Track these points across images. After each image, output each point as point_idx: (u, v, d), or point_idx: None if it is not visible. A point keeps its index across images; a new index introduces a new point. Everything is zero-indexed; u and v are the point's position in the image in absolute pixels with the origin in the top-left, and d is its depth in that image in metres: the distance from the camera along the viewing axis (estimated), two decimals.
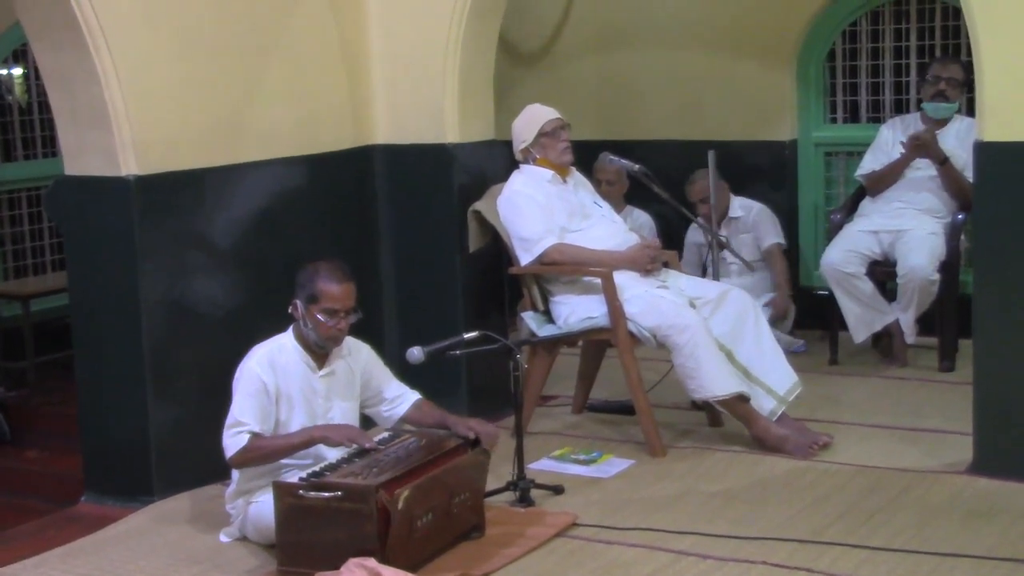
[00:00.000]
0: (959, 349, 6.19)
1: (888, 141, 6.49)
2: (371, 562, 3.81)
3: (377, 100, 5.84)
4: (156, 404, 4.87)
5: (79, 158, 4.89)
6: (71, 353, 5.10)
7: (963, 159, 6.07)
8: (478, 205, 5.67)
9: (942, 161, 6.21)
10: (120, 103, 4.73)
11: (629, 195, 6.94)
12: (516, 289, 5.81)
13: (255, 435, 4.24)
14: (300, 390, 4.37)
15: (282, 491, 4.03)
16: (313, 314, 4.31)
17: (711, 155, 5.91)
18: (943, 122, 6.38)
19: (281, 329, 4.44)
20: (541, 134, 5.48)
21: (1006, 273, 4.65)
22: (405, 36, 5.75)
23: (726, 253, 6.32)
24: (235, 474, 4.39)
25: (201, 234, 5.05)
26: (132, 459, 4.92)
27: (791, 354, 5.90)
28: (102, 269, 4.90)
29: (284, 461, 4.29)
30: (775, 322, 6.36)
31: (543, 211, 5.40)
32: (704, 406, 5.47)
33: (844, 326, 6.36)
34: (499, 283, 5.86)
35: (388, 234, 5.87)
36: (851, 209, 6.62)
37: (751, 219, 6.75)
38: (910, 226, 6.25)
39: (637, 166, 5.71)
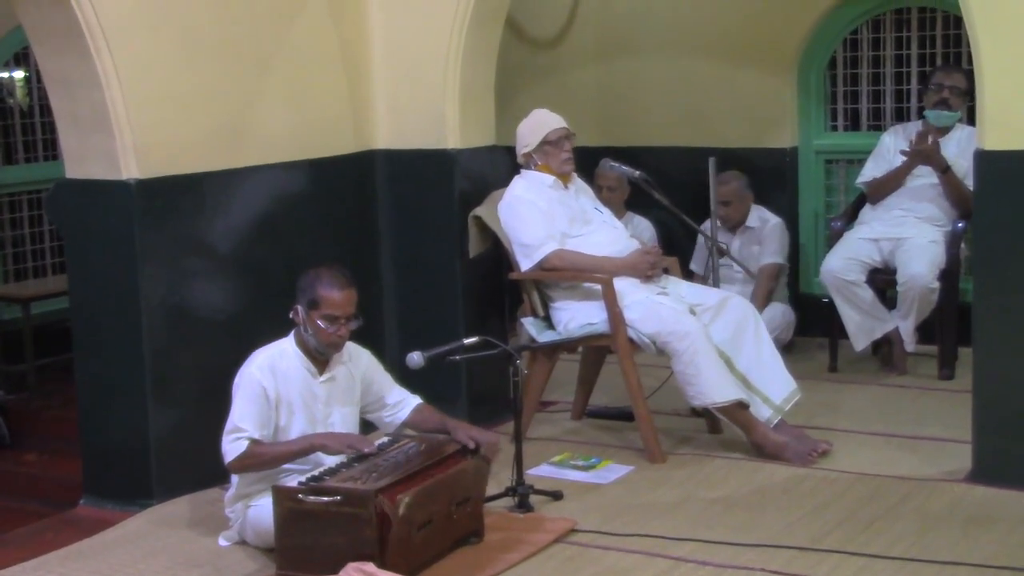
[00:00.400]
0: (959, 357, 6.19)
1: (889, 148, 6.49)
2: (370, 567, 3.81)
3: (378, 105, 5.85)
4: (156, 408, 4.87)
5: (80, 162, 4.89)
6: (71, 356, 5.09)
7: (964, 168, 6.07)
8: (479, 210, 5.67)
9: (944, 169, 6.22)
10: (121, 107, 4.73)
11: (630, 201, 6.94)
12: (516, 294, 5.81)
13: (254, 441, 4.24)
14: (300, 396, 4.37)
15: (281, 495, 4.03)
16: (314, 320, 4.31)
17: (712, 162, 5.92)
18: (945, 130, 6.38)
19: (281, 334, 4.45)
20: (545, 142, 5.48)
21: (1006, 281, 4.66)
22: (406, 41, 5.75)
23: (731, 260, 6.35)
24: (234, 478, 4.38)
25: (201, 238, 5.05)
26: (131, 462, 4.92)
27: None
28: (102, 272, 4.91)
29: (285, 466, 4.29)
30: None
31: (544, 217, 5.41)
32: (703, 413, 5.48)
33: (844, 334, 6.36)
34: (499, 288, 5.87)
35: (389, 239, 5.88)
36: (851, 217, 6.63)
37: (764, 232, 6.76)
38: (910, 234, 6.26)
39: (638, 172, 5.72)
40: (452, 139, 5.71)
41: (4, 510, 5.24)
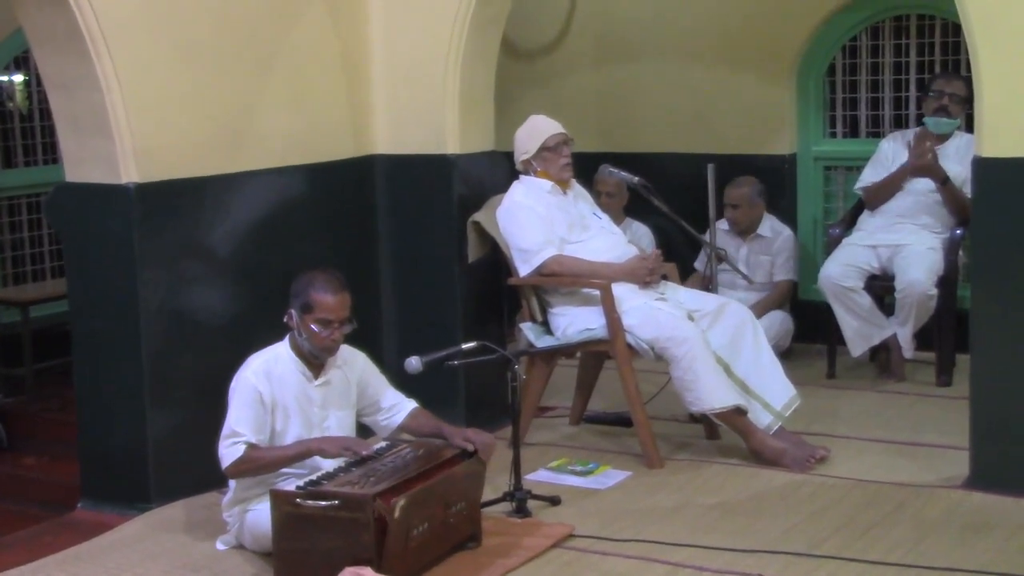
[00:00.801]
0: (956, 364, 6.19)
1: (888, 155, 6.50)
2: (367, 571, 3.79)
3: (377, 110, 5.85)
4: (154, 411, 4.88)
5: (80, 165, 4.90)
6: (70, 360, 5.10)
7: (962, 175, 6.07)
8: (477, 216, 5.68)
9: (943, 181, 6.22)
10: (121, 111, 4.74)
11: (629, 207, 6.95)
12: (515, 300, 5.81)
13: (251, 446, 4.24)
14: (296, 400, 4.37)
15: (279, 499, 4.03)
16: (307, 324, 4.31)
17: (710, 168, 5.92)
18: (943, 137, 6.39)
19: (280, 338, 4.45)
20: (544, 148, 5.48)
21: (1004, 288, 4.66)
22: (406, 46, 5.76)
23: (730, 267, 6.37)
24: (232, 482, 4.38)
25: (201, 242, 5.05)
26: (130, 466, 4.92)
27: None
28: (101, 276, 4.91)
29: (282, 470, 4.29)
30: None
31: (543, 222, 5.41)
32: (701, 418, 5.47)
33: (842, 340, 6.36)
34: (498, 294, 5.87)
35: (388, 244, 5.88)
36: (850, 223, 6.63)
37: (776, 246, 6.76)
38: (908, 241, 6.26)
39: (637, 178, 5.73)
40: (451, 144, 5.71)
41: (2, 513, 5.25)
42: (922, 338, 6.28)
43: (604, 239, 5.52)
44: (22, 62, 7.53)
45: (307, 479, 4.11)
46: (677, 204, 5.81)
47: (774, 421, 5.19)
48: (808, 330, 6.78)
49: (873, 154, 6.59)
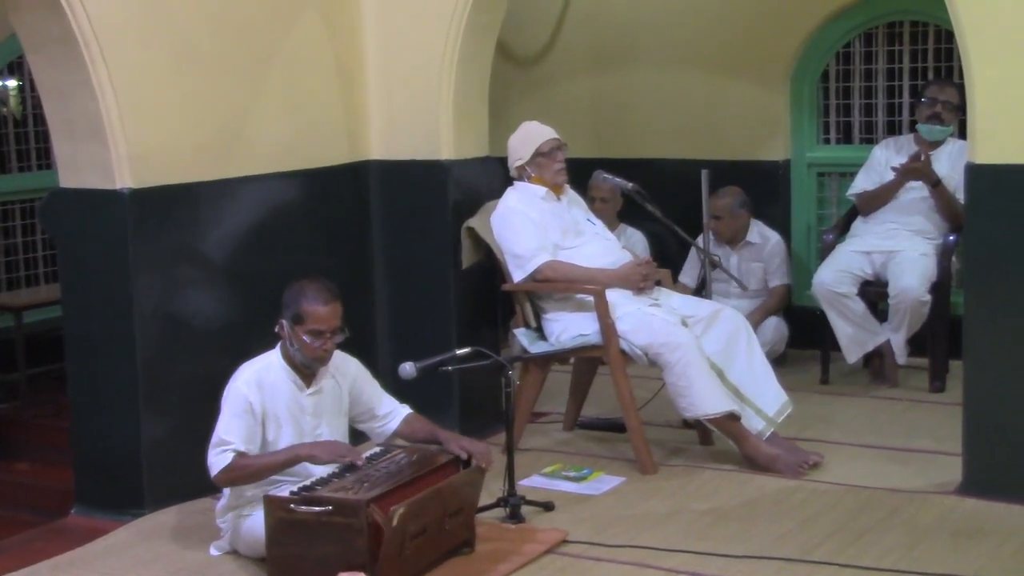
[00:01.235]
0: (949, 370, 6.20)
1: (881, 161, 6.51)
2: None
3: (372, 116, 5.86)
4: (148, 417, 4.87)
5: (74, 171, 4.90)
6: (63, 365, 5.09)
7: (955, 181, 6.08)
8: (472, 221, 5.68)
9: (934, 183, 6.24)
10: (116, 116, 4.74)
11: (623, 213, 6.96)
12: (509, 305, 5.81)
13: (240, 453, 4.22)
14: (288, 409, 4.36)
15: (273, 505, 4.03)
16: (299, 335, 4.30)
17: (704, 174, 5.93)
18: (936, 144, 6.41)
19: (275, 343, 4.45)
20: (538, 153, 5.49)
21: (996, 294, 4.67)
22: (400, 52, 5.77)
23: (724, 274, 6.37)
24: (225, 488, 4.38)
25: (195, 248, 5.05)
26: (123, 472, 4.91)
27: None
28: (96, 281, 4.91)
29: (275, 476, 4.28)
30: None
31: (536, 228, 5.42)
32: (695, 424, 5.48)
33: (836, 346, 6.37)
34: (492, 299, 5.87)
35: (382, 249, 5.88)
36: (843, 229, 6.64)
37: (766, 252, 6.77)
38: (902, 247, 6.28)
39: (631, 184, 5.73)
40: (446, 150, 5.72)
41: None
42: (915, 344, 6.30)
43: (598, 245, 5.53)
44: (16, 67, 7.53)
45: (301, 484, 4.11)
46: (671, 210, 5.82)
47: (767, 427, 5.20)
48: (802, 336, 6.79)
49: (866, 160, 6.60)
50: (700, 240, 6.01)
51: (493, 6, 5.72)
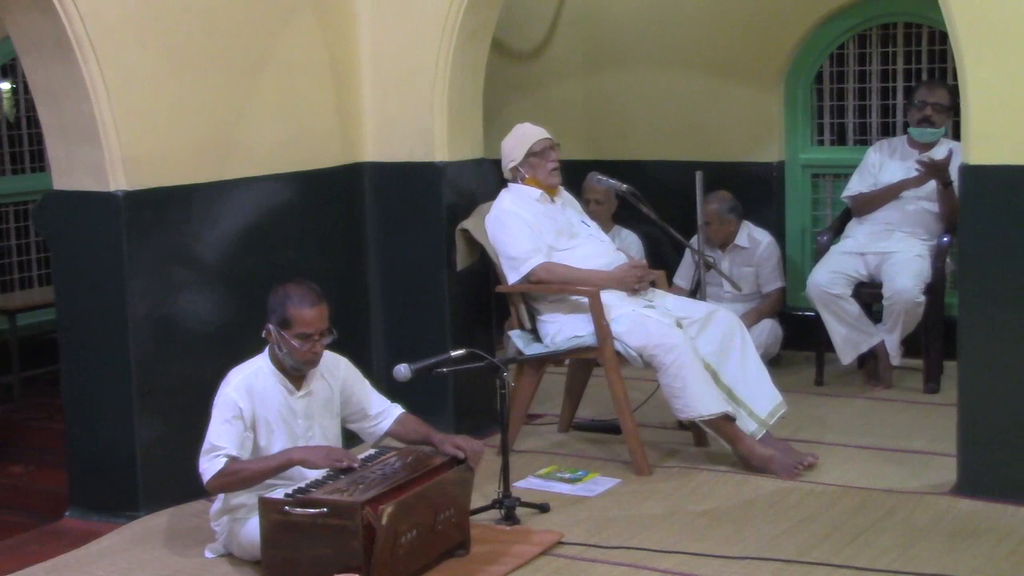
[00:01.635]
0: (944, 371, 6.21)
1: (875, 163, 6.52)
2: None
3: (366, 118, 5.86)
4: (142, 419, 4.86)
5: (68, 173, 4.89)
6: (57, 368, 5.08)
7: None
8: (466, 223, 5.68)
9: (947, 183, 6.21)
10: (109, 119, 4.73)
11: (617, 215, 6.96)
12: (503, 307, 5.81)
13: (232, 459, 4.20)
14: (279, 413, 4.34)
15: (268, 507, 4.02)
16: (287, 339, 4.27)
17: (699, 176, 5.94)
18: (928, 145, 6.41)
19: (264, 348, 4.44)
20: (530, 154, 5.50)
21: (991, 295, 4.68)
22: (395, 54, 5.77)
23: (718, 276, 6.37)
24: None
25: (189, 250, 5.05)
26: (118, 474, 4.91)
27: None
28: (89, 284, 4.90)
29: (269, 480, 4.27)
30: None
31: (531, 230, 5.42)
32: (690, 426, 5.49)
33: (830, 347, 6.38)
34: (486, 301, 5.87)
35: (376, 251, 5.88)
36: (837, 231, 6.65)
37: (758, 256, 6.77)
38: (896, 248, 6.28)
39: (625, 186, 5.73)
40: (440, 152, 5.72)
41: None
42: (910, 345, 6.30)
43: (592, 246, 5.53)
44: (9, 70, 7.53)
45: (295, 486, 4.10)
46: (665, 212, 5.83)
47: (759, 428, 5.20)
48: (796, 337, 6.80)
49: (860, 163, 6.61)
50: (694, 242, 6.01)
51: (487, 8, 5.72)
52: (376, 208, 5.87)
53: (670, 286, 6.52)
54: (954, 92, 5.31)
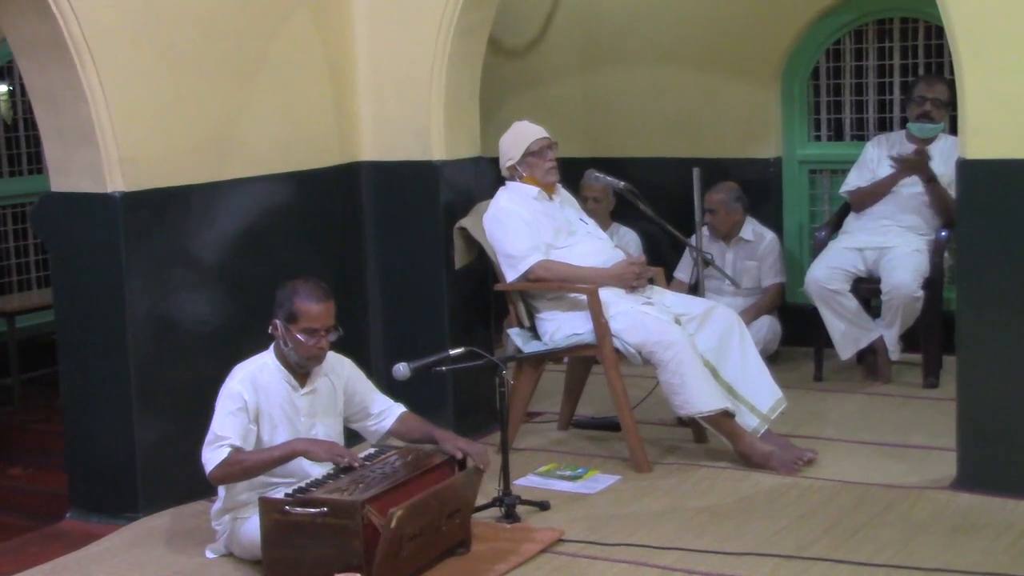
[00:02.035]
0: (943, 365, 6.21)
1: (873, 158, 6.52)
2: None
3: (363, 117, 5.86)
4: (141, 421, 4.86)
5: (65, 174, 4.89)
6: (56, 370, 5.08)
7: (947, 177, 6.10)
8: (464, 222, 5.68)
9: (930, 179, 6.24)
10: (107, 120, 4.73)
11: (615, 212, 6.97)
12: (502, 305, 5.82)
13: (236, 449, 4.22)
14: (282, 409, 4.36)
15: (268, 507, 4.03)
16: (293, 334, 4.30)
17: (696, 172, 5.94)
18: (928, 141, 6.41)
19: (268, 346, 4.44)
20: (528, 152, 5.50)
21: (989, 290, 4.68)
22: (391, 53, 5.77)
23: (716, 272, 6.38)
24: (221, 491, 4.37)
25: (187, 251, 5.05)
26: (117, 476, 4.91)
27: None
28: (88, 286, 4.90)
29: (270, 479, 4.28)
30: None
31: (529, 228, 5.42)
32: (689, 422, 5.48)
33: (829, 343, 6.38)
34: (485, 299, 5.87)
35: (374, 251, 5.88)
36: (835, 226, 6.65)
37: (760, 250, 6.78)
38: (894, 243, 6.29)
39: (623, 183, 5.74)
40: (437, 151, 5.72)
41: None
42: (908, 340, 6.31)
43: (590, 244, 5.53)
44: (6, 72, 7.53)
45: (296, 486, 4.11)
46: (663, 209, 5.83)
47: (760, 424, 5.21)
48: (795, 333, 6.80)
49: (858, 158, 6.61)
50: (693, 239, 6.01)
51: (483, 6, 5.72)
52: (374, 207, 5.87)
53: (670, 281, 6.54)
54: (953, 87, 5.30)
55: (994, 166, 4.60)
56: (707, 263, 6.06)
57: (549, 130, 5.60)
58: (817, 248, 6.56)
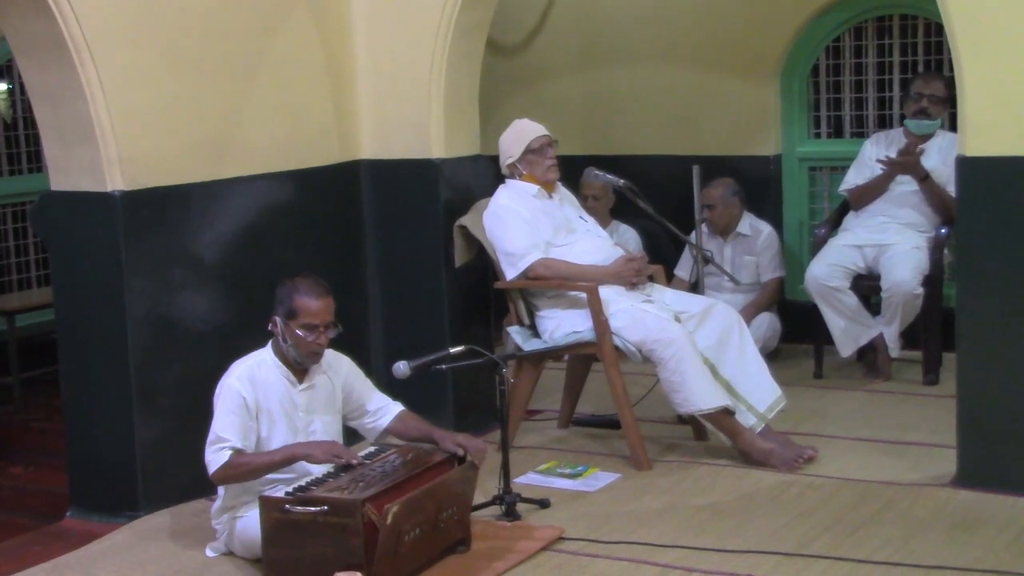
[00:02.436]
0: (943, 363, 6.21)
1: (871, 156, 6.52)
2: None
3: (363, 115, 5.85)
4: (142, 419, 4.87)
5: (65, 173, 4.89)
6: (56, 369, 5.09)
7: (946, 174, 6.10)
8: (464, 220, 5.68)
9: (923, 178, 6.25)
10: (106, 119, 4.73)
11: (615, 210, 6.97)
12: (502, 304, 5.82)
13: (237, 451, 4.23)
14: (280, 404, 4.36)
15: (268, 505, 4.03)
16: (292, 330, 4.31)
17: (696, 170, 5.94)
18: (926, 137, 6.42)
19: (267, 344, 4.45)
20: (528, 150, 5.50)
21: (988, 286, 4.68)
22: (390, 52, 5.77)
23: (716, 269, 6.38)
24: (221, 489, 4.38)
25: (187, 250, 5.05)
26: (118, 474, 4.91)
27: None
28: (88, 284, 4.90)
29: (270, 476, 4.29)
30: None
31: (528, 226, 5.42)
32: (689, 420, 5.48)
33: (829, 340, 6.38)
34: (485, 298, 5.87)
35: (374, 249, 5.88)
36: (835, 223, 6.65)
37: (758, 244, 6.78)
38: (894, 240, 6.29)
39: (622, 181, 5.73)
40: (436, 149, 5.72)
41: None
42: (908, 337, 6.31)
43: (590, 242, 5.53)
44: (5, 71, 7.53)
45: (296, 485, 4.11)
46: (663, 206, 5.83)
47: (758, 423, 5.21)
48: (795, 330, 6.80)
49: (857, 155, 6.61)
50: (693, 236, 6.01)
51: (482, 5, 5.72)
52: (374, 205, 5.87)
53: (671, 279, 6.54)
54: (950, 84, 5.31)
55: (993, 163, 4.60)
56: (707, 260, 6.06)
57: (549, 128, 5.59)
58: (817, 245, 6.56)
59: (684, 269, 6.83)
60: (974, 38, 4.57)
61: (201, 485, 4.56)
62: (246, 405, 4.28)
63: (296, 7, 5.52)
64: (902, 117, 6.67)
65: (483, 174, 5.87)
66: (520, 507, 4.70)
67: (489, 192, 5.65)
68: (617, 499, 4.90)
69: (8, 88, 7.63)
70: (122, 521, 4.84)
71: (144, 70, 4.88)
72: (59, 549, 4.64)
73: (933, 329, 6.26)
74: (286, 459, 4.25)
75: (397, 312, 5.86)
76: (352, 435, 4.71)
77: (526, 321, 5.56)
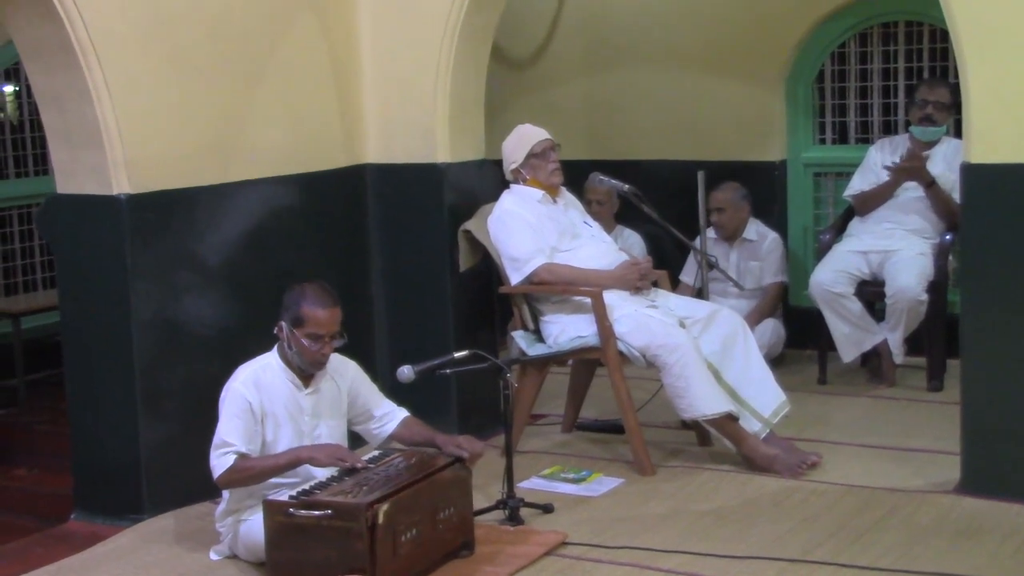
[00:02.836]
0: (947, 369, 6.21)
1: (876, 162, 6.52)
2: None
3: (368, 120, 5.86)
4: (146, 422, 4.87)
5: (71, 177, 4.90)
6: (61, 371, 5.09)
7: (951, 180, 6.10)
8: (468, 225, 5.68)
9: (929, 184, 6.26)
10: (112, 122, 4.74)
11: (619, 215, 6.97)
12: (506, 308, 5.82)
13: (242, 455, 4.24)
14: (286, 408, 4.37)
15: (272, 509, 4.04)
16: (297, 338, 4.31)
17: (700, 175, 5.94)
18: (931, 144, 6.42)
19: (272, 348, 4.45)
20: (531, 155, 5.50)
21: (993, 293, 4.68)
22: (396, 56, 5.77)
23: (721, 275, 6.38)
24: (225, 493, 4.39)
25: (192, 253, 5.06)
26: (122, 477, 4.92)
27: None
28: (93, 287, 4.91)
29: (274, 480, 4.29)
30: None
31: (533, 231, 5.42)
32: (693, 425, 5.48)
33: (833, 346, 6.38)
34: (489, 302, 5.88)
35: (379, 253, 5.89)
36: (840, 229, 6.65)
37: (763, 249, 6.78)
38: (898, 246, 6.29)
39: (627, 186, 5.74)
40: (442, 153, 5.72)
41: None
42: (913, 343, 6.30)
43: (595, 247, 5.54)
44: (12, 73, 7.54)
45: (300, 488, 4.12)
46: (667, 212, 5.83)
47: (762, 428, 5.21)
48: (799, 336, 6.80)
49: (862, 161, 6.61)
50: (697, 241, 6.01)
51: (488, 9, 5.73)
52: (379, 210, 5.88)
53: (676, 284, 6.54)
54: (955, 90, 5.30)
55: (999, 170, 4.59)
56: (711, 266, 6.06)
57: (553, 133, 5.60)
58: (821, 251, 6.56)
59: (689, 274, 6.83)
60: (979, 44, 4.57)
61: (205, 488, 4.56)
62: (251, 409, 4.29)
63: (302, 12, 5.53)
64: (907, 123, 6.68)
65: (488, 179, 5.87)
66: (524, 512, 4.70)
67: (494, 197, 5.66)
68: (621, 504, 4.90)
69: (15, 91, 7.64)
70: (126, 524, 4.84)
71: (150, 74, 4.89)
72: (63, 551, 4.64)
73: (937, 335, 6.26)
74: (291, 463, 4.26)
75: (402, 316, 5.86)
76: (356, 439, 4.72)
77: (530, 326, 5.56)
